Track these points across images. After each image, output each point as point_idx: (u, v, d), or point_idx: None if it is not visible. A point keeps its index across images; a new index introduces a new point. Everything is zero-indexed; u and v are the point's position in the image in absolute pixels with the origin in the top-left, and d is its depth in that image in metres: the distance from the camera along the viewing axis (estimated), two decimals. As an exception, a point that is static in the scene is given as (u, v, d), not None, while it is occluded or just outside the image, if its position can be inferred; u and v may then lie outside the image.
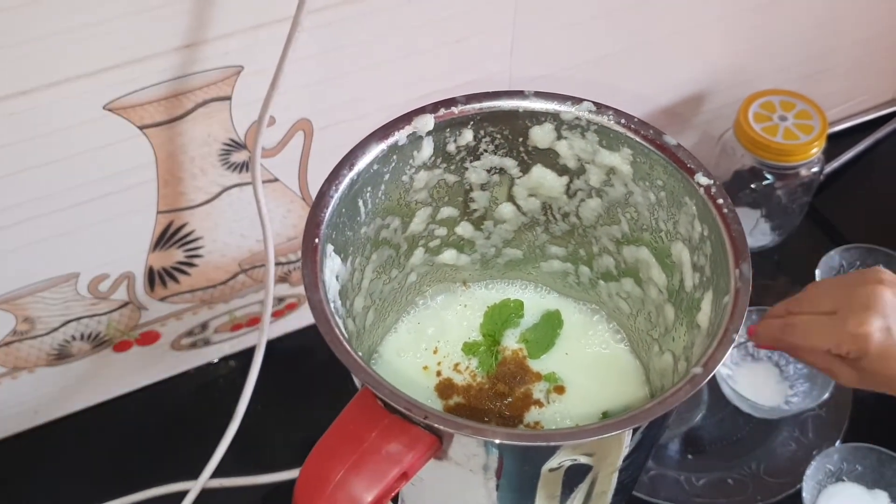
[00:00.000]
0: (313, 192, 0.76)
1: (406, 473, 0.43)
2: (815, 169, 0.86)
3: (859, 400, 0.82)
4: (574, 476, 0.47)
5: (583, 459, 0.45)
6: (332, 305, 0.45)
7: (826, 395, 0.79)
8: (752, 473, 0.79)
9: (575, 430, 0.42)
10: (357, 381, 0.48)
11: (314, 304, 0.44)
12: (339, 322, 0.46)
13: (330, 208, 0.48)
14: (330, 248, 0.48)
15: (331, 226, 0.48)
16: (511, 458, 0.45)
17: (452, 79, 0.74)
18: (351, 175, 0.50)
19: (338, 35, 0.66)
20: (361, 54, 0.69)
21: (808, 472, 0.75)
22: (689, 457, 0.80)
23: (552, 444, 0.41)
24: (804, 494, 0.74)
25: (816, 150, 0.84)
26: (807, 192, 0.89)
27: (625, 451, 0.46)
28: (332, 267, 0.48)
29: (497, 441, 0.41)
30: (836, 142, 0.93)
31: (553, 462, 0.44)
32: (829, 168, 0.96)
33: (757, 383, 0.82)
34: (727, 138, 0.88)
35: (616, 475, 0.49)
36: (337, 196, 0.49)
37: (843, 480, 0.77)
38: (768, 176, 0.86)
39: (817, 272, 0.86)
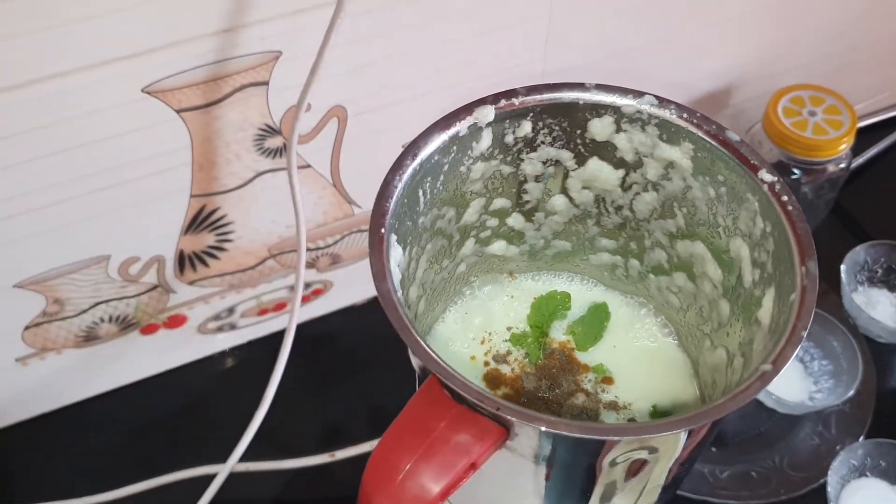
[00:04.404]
0: (345, 179, 0.76)
1: (474, 464, 0.43)
2: (842, 165, 0.87)
3: (884, 396, 0.82)
4: (632, 469, 0.47)
5: (645, 454, 0.45)
6: (397, 295, 0.45)
7: (851, 393, 0.79)
8: (776, 467, 0.79)
9: (651, 425, 0.42)
10: (416, 366, 0.49)
11: (383, 294, 0.44)
12: (402, 311, 0.46)
13: (394, 198, 0.48)
14: (393, 237, 0.48)
15: (394, 216, 0.48)
16: (576, 451, 0.45)
17: (486, 68, 0.74)
18: (414, 165, 0.49)
19: (376, 22, 0.66)
20: (398, 41, 0.69)
21: (833, 466, 0.75)
22: (713, 449, 0.81)
23: (627, 437, 0.41)
24: (828, 489, 0.75)
25: (845, 146, 0.84)
26: (833, 188, 0.89)
27: (685, 445, 0.47)
28: (396, 257, 0.48)
29: (570, 434, 0.41)
30: (862, 137, 0.93)
31: (617, 456, 0.45)
32: (854, 164, 0.96)
33: (781, 379, 0.81)
34: (755, 132, 0.88)
35: (671, 470, 0.49)
36: (401, 186, 0.48)
37: (866, 476, 0.77)
38: (795, 171, 0.86)
39: (842, 268, 0.87)
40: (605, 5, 0.76)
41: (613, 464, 0.45)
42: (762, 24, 0.87)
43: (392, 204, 0.47)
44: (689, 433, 0.45)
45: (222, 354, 0.86)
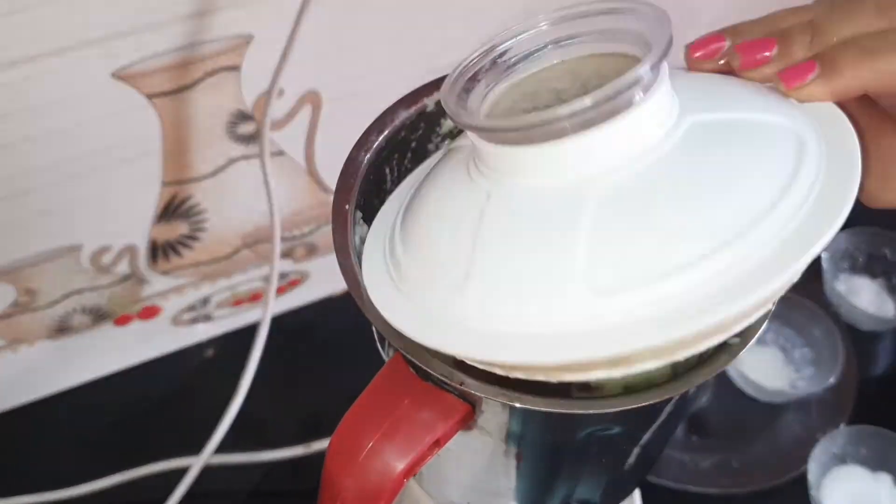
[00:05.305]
0: (320, 166, 0.76)
1: (439, 441, 0.42)
2: (822, 152, 0.86)
3: (865, 383, 0.82)
4: (602, 446, 0.46)
5: (616, 429, 0.44)
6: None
7: (832, 380, 0.79)
8: (757, 456, 0.79)
9: (615, 399, 0.41)
10: (383, 352, 0.48)
11: (346, 270, 0.43)
12: (366, 290, 0.45)
13: (359, 175, 0.47)
14: (359, 214, 0.47)
15: (360, 192, 0.47)
16: (543, 427, 0.44)
17: (462, 53, 0.73)
18: (379, 141, 0.48)
19: (350, 6, 0.66)
20: (372, 26, 0.68)
21: (813, 454, 0.75)
22: (694, 438, 0.80)
23: (590, 411, 0.41)
24: (809, 477, 0.74)
25: (825, 133, 0.84)
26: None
27: (657, 420, 0.46)
28: (361, 234, 0.47)
29: (535, 409, 0.40)
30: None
31: (584, 433, 0.44)
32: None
33: (762, 367, 0.82)
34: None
35: (642, 447, 0.48)
36: (366, 162, 0.47)
37: (847, 463, 0.77)
38: (775, 158, 0.86)
39: (824, 255, 0.86)
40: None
41: (580, 441, 0.45)
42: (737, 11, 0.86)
43: (357, 181, 0.46)
44: (658, 408, 0.45)
45: (198, 346, 0.86)
